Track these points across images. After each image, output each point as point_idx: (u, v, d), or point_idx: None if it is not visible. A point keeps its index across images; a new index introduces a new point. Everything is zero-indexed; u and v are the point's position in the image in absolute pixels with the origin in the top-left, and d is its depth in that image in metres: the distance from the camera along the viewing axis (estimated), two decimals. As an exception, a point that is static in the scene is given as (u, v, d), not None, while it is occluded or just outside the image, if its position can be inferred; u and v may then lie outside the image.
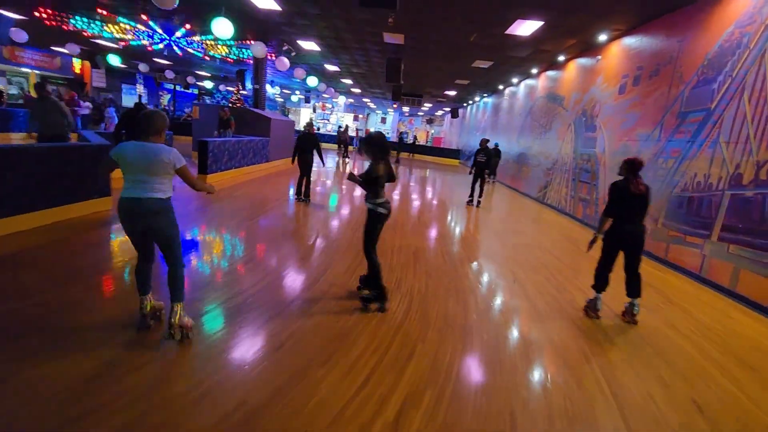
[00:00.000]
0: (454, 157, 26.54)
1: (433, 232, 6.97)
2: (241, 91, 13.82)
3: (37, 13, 11.13)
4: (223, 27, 8.10)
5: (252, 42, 11.16)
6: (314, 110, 36.63)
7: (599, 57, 9.00)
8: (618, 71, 8.09)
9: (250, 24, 10.81)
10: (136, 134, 2.69)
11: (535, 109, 13.11)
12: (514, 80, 15.09)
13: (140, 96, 27.34)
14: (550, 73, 11.98)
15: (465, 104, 26.95)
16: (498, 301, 4.32)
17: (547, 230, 8.25)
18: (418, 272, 4.78)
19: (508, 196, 13.03)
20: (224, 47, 13.69)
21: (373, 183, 3.49)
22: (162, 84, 28.67)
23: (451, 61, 12.88)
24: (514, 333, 3.56)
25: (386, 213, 3.56)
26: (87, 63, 22.34)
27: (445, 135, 37.70)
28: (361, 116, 41.13)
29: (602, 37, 8.53)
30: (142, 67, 18.84)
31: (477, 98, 22.56)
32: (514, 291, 4.59)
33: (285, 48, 12.56)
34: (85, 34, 12.69)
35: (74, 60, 22.83)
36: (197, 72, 24.00)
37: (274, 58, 12.78)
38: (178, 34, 12.73)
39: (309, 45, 12.37)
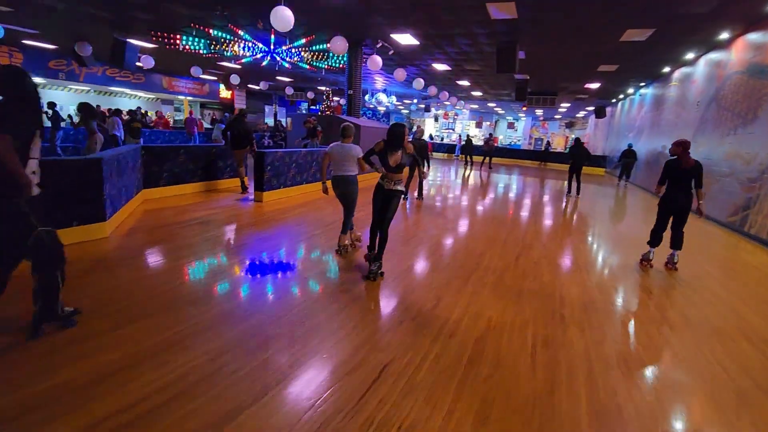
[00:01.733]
0: (597, 165, 21.75)
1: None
2: (334, 99, 12.77)
3: (154, 38, 11.83)
4: (280, 18, 6.84)
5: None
6: (436, 119, 34.94)
7: None
8: None
9: (330, 19, 9.58)
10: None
11: (724, 93, 8.92)
12: (688, 56, 10.83)
13: (275, 114, 29.57)
14: (754, 36, 7.86)
15: (614, 100, 21.94)
16: None
17: (755, 288, 4.76)
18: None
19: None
20: (323, 55, 12.91)
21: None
22: (298, 102, 30.63)
23: (589, 38, 9.64)
24: None
25: (379, 186, 4.09)
26: (229, 87, 24.88)
27: (588, 139, 32.02)
28: (488, 123, 37.98)
29: None
30: (262, 86, 19.65)
31: (630, 90, 17.84)
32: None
33: (379, 45, 11.07)
34: (199, 54, 13.26)
35: (220, 86, 25.67)
36: (318, 87, 24.65)
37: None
38: (285, 46, 12.35)
39: (405, 38, 10.62)
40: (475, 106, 31.77)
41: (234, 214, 6.44)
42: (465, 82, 18.26)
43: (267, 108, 31.32)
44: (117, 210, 5.34)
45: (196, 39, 12.05)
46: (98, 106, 14.21)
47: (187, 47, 12.71)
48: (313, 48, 11.97)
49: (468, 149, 19.94)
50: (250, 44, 12.10)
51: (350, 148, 4.58)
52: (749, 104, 7.73)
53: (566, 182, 11.87)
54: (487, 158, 19.89)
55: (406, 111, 39.98)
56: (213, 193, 8.12)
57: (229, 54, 12.98)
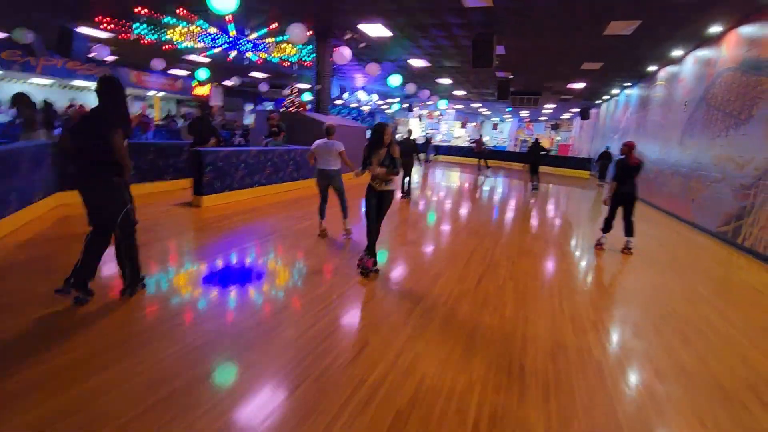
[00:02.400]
0: (582, 168, 21.19)
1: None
2: (298, 94, 11.84)
3: (103, 26, 10.79)
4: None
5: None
6: (420, 119, 34.20)
7: None
8: None
9: (292, 6, 8.70)
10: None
11: (714, 92, 8.27)
12: (675, 53, 10.20)
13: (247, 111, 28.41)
14: (747, 29, 7.20)
15: (598, 101, 21.42)
16: None
17: (760, 318, 4.03)
18: None
19: (663, 226, 8.39)
20: (291, 47, 12.00)
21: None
22: (280, 100, 29.48)
23: (571, 32, 8.92)
24: None
25: (370, 188, 4.09)
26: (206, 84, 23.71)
27: (573, 141, 31.60)
28: (474, 124, 37.34)
29: None
30: (233, 80, 18.60)
31: (615, 91, 17.28)
32: None
33: (348, 37, 10.20)
34: (157, 44, 12.21)
35: (194, 81, 24.47)
36: (299, 85, 23.64)
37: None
38: (251, 36, 11.39)
39: (375, 29, 9.77)
40: (460, 106, 31.11)
41: (158, 223, 5.51)
42: (446, 80, 17.50)
43: (247, 106, 30.16)
44: (1, 217, 4.40)
45: (150, 27, 11.05)
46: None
47: (143, 38, 11.71)
48: (278, 40, 11.07)
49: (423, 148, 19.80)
50: (206, 33, 11.14)
51: (332, 144, 5.10)
52: (742, 103, 7.07)
53: (529, 179, 13.24)
54: (482, 160, 18.87)
55: (391, 111, 39.22)
56: (153, 196, 7.17)
57: (189, 46, 12.02)
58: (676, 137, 9.99)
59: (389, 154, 3.91)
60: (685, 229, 8.13)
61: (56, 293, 2.89)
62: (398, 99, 26.08)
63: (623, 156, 5.63)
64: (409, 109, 27.93)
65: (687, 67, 9.97)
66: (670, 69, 11.21)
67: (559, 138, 35.03)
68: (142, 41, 11.87)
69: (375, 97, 23.16)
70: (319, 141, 5.12)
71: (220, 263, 4.20)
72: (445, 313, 3.38)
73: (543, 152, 12.78)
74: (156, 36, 11.34)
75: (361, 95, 21.26)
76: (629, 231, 5.72)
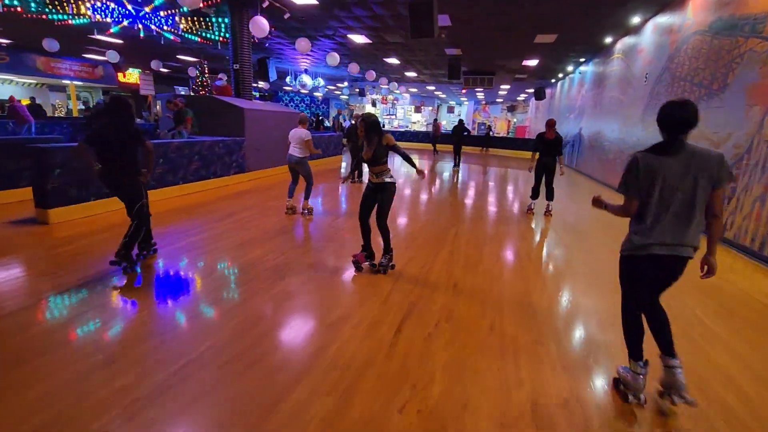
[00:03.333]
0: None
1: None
2: (210, 74, 10.05)
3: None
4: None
5: None
6: (374, 105, 32.69)
7: None
8: None
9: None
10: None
11: (679, 60, 7.35)
12: (634, 19, 9.27)
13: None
14: (718, -16, 6.24)
15: (553, 80, 20.73)
16: None
17: (741, 326, 3.01)
18: None
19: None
20: (205, 23, 10.16)
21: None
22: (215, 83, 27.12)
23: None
24: None
25: (368, 183, 3.90)
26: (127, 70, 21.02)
27: (529, 123, 31.17)
28: (431, 108, 36.20)
29: None
30: (154, 65, 16.34)
31: (570, 68, 16.50)
32: None
33: (266, 5, 8.55)
34: (43, 18, 10.01)
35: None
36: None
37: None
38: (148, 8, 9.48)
39: (297, -5, 8.20)
40: (414, 90, 29.80)
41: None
42: (393, 60, 16.09)
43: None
44: None
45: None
46: None
47: (20, 10, 9.51)
48: (184, 10, 9.23)
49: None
50: (99, 4, 9.13)
51: (298, 132, 5.77)
52: (714, 70, 6.13)
53: (454, 157, 14.07)
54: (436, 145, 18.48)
55: (345, 97, 37.32)
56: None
57: (83, 21, 9.92)
58: (637, 114, 9.13)
59: (382, 144, 3.72)
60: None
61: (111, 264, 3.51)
62: (346, 84, 24.38)
63: (543, 132, 6.48)
64: (361, 93, 26.28)
65: (647, 36, 9.07)
66: (627, 40, 10.33)
67: (515, 120, 34.60)
68: (23, 14, 9.67)
69: (321, 81, 21.38)
70: (293, 129, 5.84)
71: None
72: (323, 416, 2.05)
73: (465, 133, 13.83)
74: (38, 8, 9.20)
75: (306, 79, 19.44)
76: (550, 195, 6.78)
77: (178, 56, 17.37)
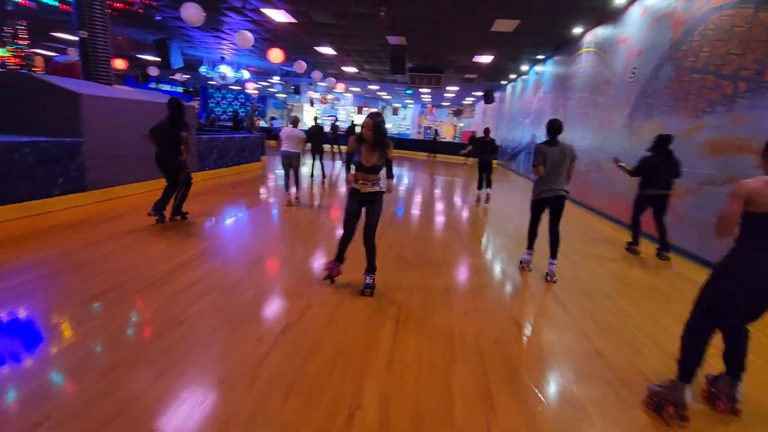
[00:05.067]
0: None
1: None
2: (30, 42, 6.99)
3: None
4: None
5: None
6: (312, 104, 29.94)
7: None
8: None
9: None
10: None
11: (691, 46, 5.57)
12: (617, 1, 7.56)
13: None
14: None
15: (504, 82, 19.33)
16: None
17: None
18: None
19: (583, 224, 5.57)
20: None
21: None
22: (150, 80, 22.94)
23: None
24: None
25: (354, 192, 3.48)
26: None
27: (476, 128, 30.00)
28: (375, 109, 34.00)
29: None
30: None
31: (525, 67, 14.97)
32: None
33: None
34: None
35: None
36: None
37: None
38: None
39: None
40: (357, 89, 27.45)
41: None
42: (327, 50, 13.59)
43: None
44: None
45: None
46: None
47: None
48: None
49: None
50: None
51: (295, 131, 6.62)
52: (763, 56, 4.32)
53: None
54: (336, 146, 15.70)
55: (284, 95, 34.02)
56: None
57: None
58: (621, 118, 7.38)
59: (384, 152, 3.30)
60: (678, 267, 5.37)
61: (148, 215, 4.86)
62: (277, 78, 21.49)
63: (482, 135, 8.53)
64: (296, 91, 23.43)
65: (632, 21, 7.37)
66: (601, 31, 8.66)
67: (462, 125, 33.44)
68: None
69: (246, 73, 18.32)
70: (287, 129, 6.59)
71: None
72: None
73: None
74: None
75: (226, 69, 16.35)
76: (489, 184, 8.47)
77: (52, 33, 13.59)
